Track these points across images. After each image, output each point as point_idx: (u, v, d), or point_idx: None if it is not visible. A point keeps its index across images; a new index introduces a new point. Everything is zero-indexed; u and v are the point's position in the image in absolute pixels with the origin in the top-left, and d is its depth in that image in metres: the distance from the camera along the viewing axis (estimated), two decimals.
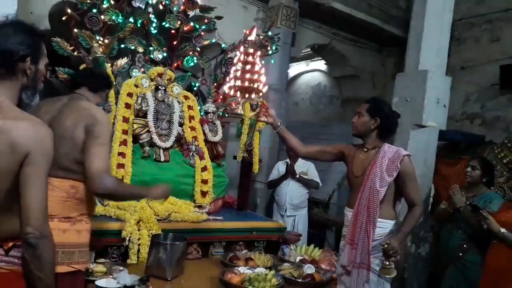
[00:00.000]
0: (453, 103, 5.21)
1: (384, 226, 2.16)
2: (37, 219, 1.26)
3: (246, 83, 2.38)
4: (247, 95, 2.42)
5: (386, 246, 2.04)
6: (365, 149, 2.31)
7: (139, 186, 2.61)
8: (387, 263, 2.04)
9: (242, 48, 2.47)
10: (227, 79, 3.77)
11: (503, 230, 2.65)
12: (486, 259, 2.83)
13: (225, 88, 2.48)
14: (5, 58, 1.29)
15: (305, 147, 2.54)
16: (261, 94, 2.48)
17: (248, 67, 2.38)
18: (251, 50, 3.28)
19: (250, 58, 2.44)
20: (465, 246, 3.05)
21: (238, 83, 2.36)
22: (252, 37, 3.63)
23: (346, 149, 2.42)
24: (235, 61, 2.49)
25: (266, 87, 2.50)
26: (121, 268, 2.33)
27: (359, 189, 2.21)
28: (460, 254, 3.06)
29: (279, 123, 2.51)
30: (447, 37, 4.37)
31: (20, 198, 1.27)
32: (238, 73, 2.42)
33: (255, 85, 2.39)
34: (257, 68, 2.42)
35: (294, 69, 8.99)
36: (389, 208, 2.21)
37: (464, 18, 6.12)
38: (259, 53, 2.48)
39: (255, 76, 2.40)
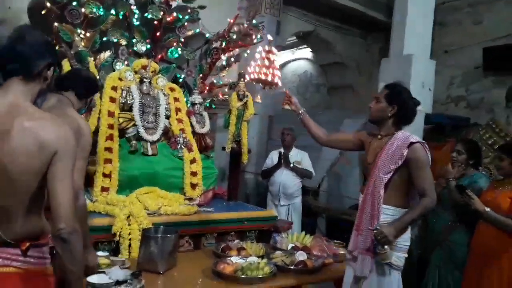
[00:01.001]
0: (438, 86, 5.27)
1: (390, 213, 2.12)
2: (68, 214, 1.32)
3: (263, 76, 2.44)
4: (264, 87, 2.49)
5: (375, 231, 2.04)
6: (379, 136, 2.26)
7: None
8: (380, 247, 2.04)
9: (260, 47, 2.55)
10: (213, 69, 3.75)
11: (487, 209, 2.69)
12: (472, 238, 2.89)
13: (247, 77, 2.59)
14: (33, 62, 1.37)
15: (326, 135, 2.52)
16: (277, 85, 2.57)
17: (266, 62, 2.45)
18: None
19: (270, 56, 2.50)
20: (452, 227, 3.10)
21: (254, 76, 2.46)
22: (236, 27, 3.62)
23: (364, 137, 2.37)
24: (257, 55, 2.54)
25: (280, 81, 2.57)
26: (123, 259, 2.34)
27: (369, 176, 2.21)
28: (446, 235, 3.10)
29: (300, 110, 2.53)
30: (430, 21, 4.40)
31: (50, 196, 1.33)
32: (256, 68, 2.47)
33: (272, 78, 2.46)
34: (275, 64, 2.52)
35: (280, 58, 8.97)
36: (400, 195, 2.14)
37: (447, 2, 6.17)
38: (275, 53, 2.55)
39: (271, 71, 2.47)
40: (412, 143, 2.11)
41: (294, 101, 2.54)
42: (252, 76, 2.52)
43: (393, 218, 2.11)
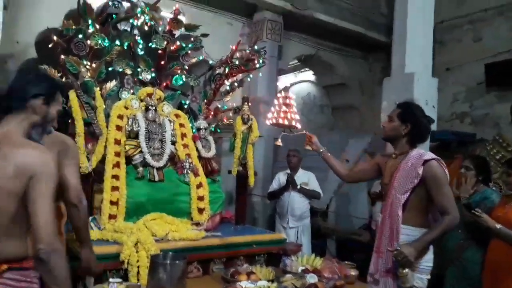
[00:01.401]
0: (442, 104, 5.28)
1: (410, 233, 2.07)
2: (47, 235, 1.36)
3: (281, 121, 2.56)
4: (284, 130, 2.60)
5: (395, 252, 1.98)
6: (394, 155, 2.25)
7: None
8: (401, 270, 1.97)
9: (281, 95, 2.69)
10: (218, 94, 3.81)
11: (498, 226, 2.65)
12: (486, 255, 2.83)
13: (268, 122, 2.73)
14: (19, 95, 1.50)
15: (347, 171, 2.58)
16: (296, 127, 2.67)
17: (284, 108, 2.59)
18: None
19: (288, 101, 2.63)
20: (463, 245, 3.05)
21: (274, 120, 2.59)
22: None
23: (380, 160, 2.39)
24: (275, 101, 2.70)
25: (299, 124, 2.65)
26: (138, 284, 2.36)
27: (386, 196, 2.19)
28: (459, 253, 3.05)
29: (321, 149, 2.57)
30: (430, 39, 4.45)
31: (30, 218, 1.38)
32: (275, 113, 2.59)
33: (291, 121, 2.57)
34: (294, 108, 2.65)
35: (283, 81, 9.06)
36: (419, 215, 2.10)
37: (446, 21, 6.25)
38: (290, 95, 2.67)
39: (290, 115, 2.58)
40: (426, 161, 2.08)
41: (314, 141, 2.58)
42: (272, 121, 2.61)
43: (413, 239, 2.06)
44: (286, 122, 2.55)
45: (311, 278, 2.55)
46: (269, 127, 5.65)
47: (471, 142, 5.49)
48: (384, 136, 2.32)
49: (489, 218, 2.70)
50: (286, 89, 2.70)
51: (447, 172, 2.12)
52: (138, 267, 2.52)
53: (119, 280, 2.36)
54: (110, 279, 2.35)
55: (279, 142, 2.80)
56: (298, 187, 4.33)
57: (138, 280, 2.50)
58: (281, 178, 4.51)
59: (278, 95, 2.69)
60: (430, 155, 2.13)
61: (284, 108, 2.59)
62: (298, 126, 2.63)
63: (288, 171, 4.47)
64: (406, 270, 1.96)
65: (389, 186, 2.16)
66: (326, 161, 2.56)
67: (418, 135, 2.22)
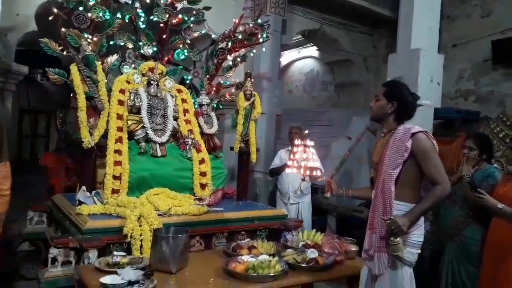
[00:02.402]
0: (447, 81, 5.21)
1: (403, 209, 2.09)
2: None
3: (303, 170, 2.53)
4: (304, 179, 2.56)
5: (388, 221, 2.02)
6: (383, 134, 2.28)
7: None
8: (393, 238, 2.01)
9: None
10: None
11: (500, 205, 2.66)
12: (487, 234, 2.86)
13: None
14: None
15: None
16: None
17: (304, 155, 2.55)
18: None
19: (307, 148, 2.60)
20: (463, 221, 3.07)
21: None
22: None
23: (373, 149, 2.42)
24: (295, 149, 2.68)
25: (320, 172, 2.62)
26: (142, 257, 2.38)
27: (377, 174, 2.20)
28: (459, 230, 3.08)
29: (342, 191, 2.54)
30: (438, 14, 4.35)
31: None
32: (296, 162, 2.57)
33: (312, 171, 2.54)
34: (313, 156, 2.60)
35: (286, 57, 8.95)
36: (411, 190, 2.13)
37: None
38: None
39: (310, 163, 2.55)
40: (413, 134, 2.10)
41: (334, 187, 2.53)
42: (294, 170, 2.58)
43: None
44: (308, 172, 2.53)
45: (312, 253, 2.58)
46: (272, 104, 5.66)
47: (475, 120, 5.46)
48: (372, 116, 2.33)
49: (491, 198, 2.70)
50: (305, 137, 2.67)
51: (435, 143, 2.14)
52: (141, 240, 2.55)
53: (123, 253, 2.40)
54: (114, 252, 2.39)
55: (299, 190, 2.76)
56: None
57: (141, 253, 2.54)
58: (282, 155, 4.51)
59: (297, 141, 2.64)
60: (416, 128, 2.14)
61: (304, 155, 2.56)
62: (320, 173, 2.61)
63: (290, 148, 4.46)
64: (398, 238, 1.99)
65: (380, 163, 2.18)
66: (354, 196, 2.58)
67: (405, 112, 2.24)
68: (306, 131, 2.82)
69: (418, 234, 2.13)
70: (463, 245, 3.04)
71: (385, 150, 2.16)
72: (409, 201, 2.12)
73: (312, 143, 2.58)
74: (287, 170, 4.38)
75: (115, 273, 1.98)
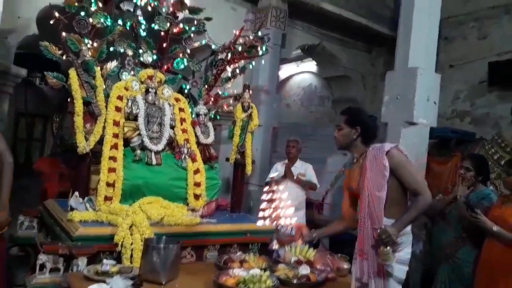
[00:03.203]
0: (443, 101, 5.25)
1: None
2: None
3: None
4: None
5: (379, 231, 2.01)
6: (355, 160, 2.32)
7: None
8: (383, 248, 2.00)
9: None
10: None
11: (495, 228, 2.67)
12: (481, 254, 2.85)
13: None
14: None
15: (344, 220, 2.54)
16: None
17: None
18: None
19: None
20: (457, 243, 3.06)
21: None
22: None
23: (345, 178, 2.45)
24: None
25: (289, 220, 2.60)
26: (132, 266, 2.35)
27: (360, 199, 2.20)
28: (453, 251, 3.07)
29: (314, 236, 2.55)
30: (435, 34, 4.40)
31: None
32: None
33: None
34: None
35: (285, 71, 9.01)
36: (398, 206, 2.15)
37: (452, 17, 6.20)
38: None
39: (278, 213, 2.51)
40: (387, 151, 2.14)
41: (305, 234, 2.55)
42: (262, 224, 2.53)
43: None
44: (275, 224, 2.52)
45: (304, 269, 2.55)
46: (269, 116, 5.67)
47: (470, 140, 5.49)
48: (339, 146, 2.37)
49: (487, 219, 2.71)
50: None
51: (407, 155, 2.20)
52: (132, 249, 2.51)
53: (113, 261, 2.36)
54: (104, 261, 2.35)
55: (275, 245, 2.74)
56: (295, 177, 4.33)
57: (131, 262, 2.50)
58: (278, 168, 4.51)
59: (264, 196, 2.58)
60: (388, 145, 2.19)
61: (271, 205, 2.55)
62: (288, 222, 2.59)
63: (286, 161, 4.46)
64: (388, 248, 1.99)
65: (361, 188, 2.18)
66: (327, 234, 2.59)
67: (370, 134, 2.29)
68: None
69: (407, 251, 2.15)
70: (456, 267, 3.03)
71: (364, 174, 2.17)
72: (397, 217, 2.12)
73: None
74: (283, 183, 4.40)
75: (104, 281, 1.94)
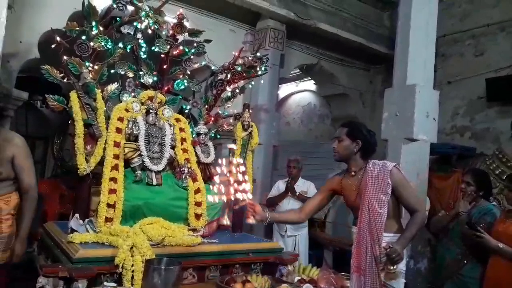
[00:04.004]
0: (443, 117, 5.28)
1: (388, 240, 2.14)
2: None
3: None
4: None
5: (388, 250, 2.02)
6: (353, 173, 2.32)
7: None
8: (391, 267, 2.00)
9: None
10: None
11: (501, 245, 2.64)
12: (486, 272, 2.81)
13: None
14: None
15: (302, 213, 2.51)
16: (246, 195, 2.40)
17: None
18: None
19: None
20: (461, 260, 3.02)
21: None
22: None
23: (333, 183, 2.44)
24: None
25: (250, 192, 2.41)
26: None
27: (358, 213, 2.20)
28: (457, 268, 3.03)
29: (266, 216, 2.41)
30: (432, 52, 4.46)
31: None
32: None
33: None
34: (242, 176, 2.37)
35: (284, 90, 9.09)
36: (393, 221, 2.20)
37: (448, 34, 6.29)
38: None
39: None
40: (390, 169, 2.19)
41: (258, 210, 2.37)
42: (221, 198, 2.36)
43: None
44: (232, 198, 2.25)
45: None
46: (269, 135, 5.69)
47: (471, 156, 5.49)
48: (338, 158, 2.38)
49: (491, 238, 2.69)
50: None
51: (403, 173, 2.26)
52: (132, 271, 2.48)
53: (113, 284, 2.33)
54: (104, 283, 2.32)
55: (226, 221, 2.66)
56: (297, 194, 4.32)
57: (132, 284, 2.47)
58: (280, 186, 4.50)
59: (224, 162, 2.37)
60: (389, 163, 2.23)
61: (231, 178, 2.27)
62: (244, 197, 2.41)
63: (288, 179, 4.46)
64: (395, 266, 2.00)
65: (361, 204, 2.19)
66: (278, 220, 2.57)
67: (370, 149, 2.32)
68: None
69: (404, 263, 2.20)
70: (462, 284, 2.99)
71: (364, 191, 2.18)
72: (395, 231, 2.19)
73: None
74: (285, 201, 4.39)
75: None
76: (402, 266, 2.17)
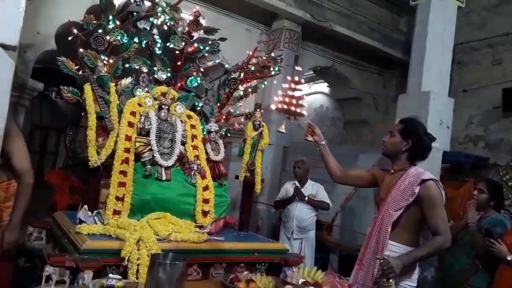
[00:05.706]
0: (456, 125, 5.21)
1: (396, 249, 2.05)
2: None
3: (288, 107, 2.46)
4: (289, 117, 2.49)
5: (381, 261, 1.94)
6: (392, 171, 2.22)
7: None
8: (385, 280, 1.92)
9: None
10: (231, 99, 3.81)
11: (510, 257, 2.60)
12: (494, 282, 2.77)
13: (272, 106, 2.57)
14: None
15: (341, 172, 2.46)
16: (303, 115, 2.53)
17: (291, 92, 2.48)
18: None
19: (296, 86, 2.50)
20: (470, 270, 2.98)
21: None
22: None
23: (378, 173, 2.34)
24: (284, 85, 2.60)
25: (305, 111, 2.55)
26: (137, 281, 2.31)
27: (378, 210, 2.17)
28: (465, 278, 2.98)
29: (322, 142, 2.48)
30: (449, 59, 4.41)
31: None
32: (281, 98, 2.49)
33: (296, 109, 2.47)
34: (301, 93, 2.54)
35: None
36: (409, 233, 2.08)
37: (465, 42, 6.20)
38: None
39: (297, 101, 2.48)
40: (424, 180, 2.05)
41: (317, 132, 2.48)
42: (278, 106, 2.50)
43: (394, 255, 2.03)
44: (292, 108, 2.43)
45: None
46: (280, 136, 5.67)
47: (484, 166, 5.41)
48: (384, 151, 2.28)
49: (504, 247, 2.64)
50: (298, 74, 2.61)
51: (443, 194, 2.09)
52: (138, 265, 2.50)
53: (118, 276, 2.34)
54: (109, 275, 2.33)
55: (282, 129, 2.66)
56: (306, 198, 4.29)
57: (137, 278, 2.48)
58: (288, 188, 4.48)
59: (288, 79, 2.59)
60: (428, 174, 2.09)
61: (290, 93, 2.47)
62: (305, 113, 2.53)
63: (296, 182, 4.43)
64: (391, 281, 1.90)
65: (383, 201, 2.13)
66: (324, 155, 2.48)
67: (419, 152, 2.19)
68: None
69: (412, 278, 2.08)
70: None
71: (391, 189, 2.13)
72: (404, 243, 2.07)
73: None
74: (293, 204, 4.36)
75: None
76: (410, 282, 2.07)
